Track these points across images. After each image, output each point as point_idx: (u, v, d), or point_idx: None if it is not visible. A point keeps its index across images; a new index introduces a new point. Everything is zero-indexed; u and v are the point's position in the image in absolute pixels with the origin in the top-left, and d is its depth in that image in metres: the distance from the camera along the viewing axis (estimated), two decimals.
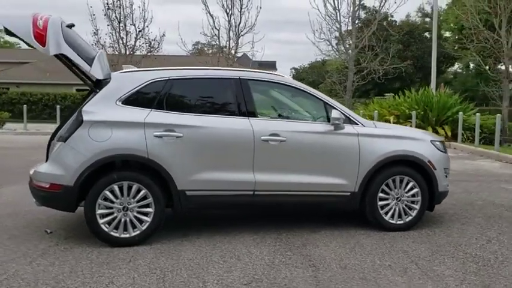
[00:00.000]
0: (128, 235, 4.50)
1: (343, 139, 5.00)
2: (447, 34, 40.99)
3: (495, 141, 12.66)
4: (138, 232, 4.52)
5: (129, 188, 4.48)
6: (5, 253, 4.29)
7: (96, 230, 4.45)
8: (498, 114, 13.15)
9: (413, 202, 5.20)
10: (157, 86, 4.73)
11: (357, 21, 18.51)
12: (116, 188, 4.45)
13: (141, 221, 4.53)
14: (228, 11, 20.63)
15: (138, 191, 4.50)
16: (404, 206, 5.18)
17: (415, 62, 34.65)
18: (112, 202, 4.46)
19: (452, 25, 33.45)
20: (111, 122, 4.49)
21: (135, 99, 4.65)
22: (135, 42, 22.14)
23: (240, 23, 20.78)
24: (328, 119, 5.04)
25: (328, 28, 18.70)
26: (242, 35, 21.19)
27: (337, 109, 5.03)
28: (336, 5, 18.51)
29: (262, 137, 4.75)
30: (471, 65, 40.76)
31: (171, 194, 4.58)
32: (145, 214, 4.54)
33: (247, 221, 5.37)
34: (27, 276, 3.74)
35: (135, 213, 4.51)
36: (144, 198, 4.52)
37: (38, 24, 4.30)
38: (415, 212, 5.21)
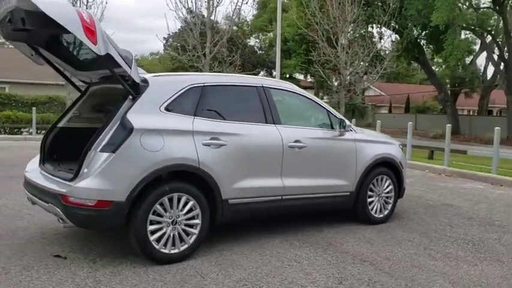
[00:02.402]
0: (177, 250, 4.22)
1: (346, 144, 5.53)
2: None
3: None
4: (186, 246, 4.27)
5: (178, 200, 4.22)
6: (51, 284, 3.61)
7: (148, 249, 4.06)
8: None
9: (388, 197, 6.01)
10: (195, 92, 4.52)
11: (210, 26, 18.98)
12: (166, 200, 4.14)
13: (187, 234, 4.30)
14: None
15: (186, 202, 4.26)
16: (383, 202, 5.96)
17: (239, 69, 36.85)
18: (161, 216, 4.14)
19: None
20: (162, 130, 4.15)
21: (177, 105, 4.37)
22: None
23: None
24: (331, 126, 5.50)
25: (186, 31, 18.78)
26: None
27: (338, 117, 5.53)
28: (194, 8, 18.73)
29: (289, 144, 4.96)
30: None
31: (215, 204, 4.45)
32: (192, 226, 4.32)
33: (252, 226, 5.43)
34: None
35: (183, 226, 4.26)
36: (191, 209, 4.30)
37: (85, 18, 3.73)
38: (390, 206, 6.04)
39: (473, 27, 27.07)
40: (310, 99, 5.53)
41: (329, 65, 18.31)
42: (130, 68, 4.11)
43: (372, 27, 29.84)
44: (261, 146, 4.77)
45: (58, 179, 4.20)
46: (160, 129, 4.14)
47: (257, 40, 51.63)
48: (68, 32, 3.66)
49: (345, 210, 5.84)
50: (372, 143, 5.85)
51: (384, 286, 3.88)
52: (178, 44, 19.65)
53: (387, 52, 20.02)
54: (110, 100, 5.31)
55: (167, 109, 4.30)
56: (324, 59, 18.03)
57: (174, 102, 4.36)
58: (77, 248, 4.52)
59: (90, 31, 3.71)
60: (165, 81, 4.54)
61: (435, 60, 41.78)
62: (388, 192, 5.99)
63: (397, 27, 27.22)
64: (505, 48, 27.44)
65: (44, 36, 4.60)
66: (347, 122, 5.45)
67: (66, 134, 5.05)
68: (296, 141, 5.02)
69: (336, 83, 21.03)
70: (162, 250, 4.13)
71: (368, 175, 5.71)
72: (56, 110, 21.79)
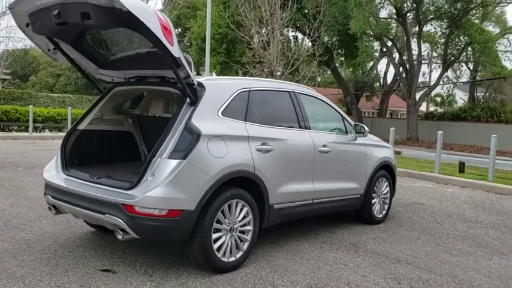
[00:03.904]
0: (234, 258, 4.12)
1: (359, 148, 5.77)
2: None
3: None
4: (241, 253, 4.19)
5: (235, 206, 4.13)
6: None
7: (211, 258, 3.91)
8: None
9: (385, 198, 6.38)
10: (244, 97, 4.44)
11: None
12: (226, 208, 4.04)
13: (241, 241, 4.22)
14: None
15: (241, 209, 4.19)
16: (382, 203, 6.30)
17: None
18: (221, 224, 4.02)
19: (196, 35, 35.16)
20: (224, 135, 4.02)
21: (230, 110, 4.26)
22: None
23: None
24: (346, 131, 5.71)
25: None
26: None
27: (352, 123, 5.75)
28: None
29: (319, 149, 5.07)
30: None
31: (263, 209, 4.42)
32: (244, 233, 4.25)
33: (270, 230, 5.44)
34: None
35: (238, 233, 4.18)
36: (245, 216, 4.23)
37: (161, 16, 3.51)
38: (387, 206, 6.41)
39: (378, 35, 29.13)
40: (329, 104, 5.68)
41: (263, 66, 18.61)
42: (192, 71, 3.94)
43: (288, 31, 30.82)
44: (299, 151, 4.82)
45: (108, 188, 3.87)
46: (222, 135, 4.02)
47: None
48: (146, 31, 3.41)
49: (352, 212, 6.10)
50: (376, 147, 6.17)
51: (437, 283, 4.15)
52: None
53: (315, 55, 20.57)
54: (138, 102, 5.03)
55: (223, 114, 4.19)
56: (258, 60, 18.29)
57: (228, 107, 4.25)
58: (117, 261, 4.21)
59: (168, 31, 3.51)
60: (220, 85, 4.40)
61: (343, 65, 44.23)
62: (385, 194, 6.35)
63: (311, 33, 28.45)
64: (405, 57, 30.00)
65: (73, 32, 4.22)
66: (366, 127, 5.69)
67: (88, 137, 4.66)
68: (324, 145, 5.14)
69: None
70: (223, 259, 4.02)
71: (373, 177, 6.01)
72: None
